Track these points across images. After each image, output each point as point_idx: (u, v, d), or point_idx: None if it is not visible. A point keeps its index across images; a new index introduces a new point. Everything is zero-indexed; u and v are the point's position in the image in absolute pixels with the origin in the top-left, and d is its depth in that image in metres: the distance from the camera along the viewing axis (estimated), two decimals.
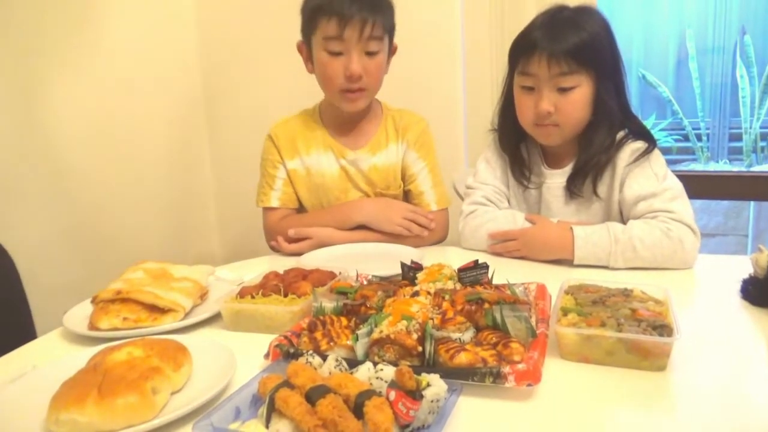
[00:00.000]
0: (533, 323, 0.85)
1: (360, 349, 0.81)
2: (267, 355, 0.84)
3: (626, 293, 0.94)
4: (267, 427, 0.64)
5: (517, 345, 0.78)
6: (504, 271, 1.07)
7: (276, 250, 1.54)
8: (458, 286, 1.01)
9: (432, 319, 0.86)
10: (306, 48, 1.52)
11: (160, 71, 2.19)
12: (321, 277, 1.11)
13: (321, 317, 0.91)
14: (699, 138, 4.36)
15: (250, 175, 1.70)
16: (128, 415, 0.66)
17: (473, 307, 0.88)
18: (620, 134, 1.36)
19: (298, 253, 1.46)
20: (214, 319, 1.04)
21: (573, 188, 1.38)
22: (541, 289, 1.02)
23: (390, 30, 1.48)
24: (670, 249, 1.22)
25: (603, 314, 0.85)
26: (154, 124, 2.19)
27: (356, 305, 0.94)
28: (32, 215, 1.82)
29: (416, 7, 1.96)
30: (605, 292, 0.95)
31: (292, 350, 0.82)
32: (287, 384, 0.67)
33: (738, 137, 4.30)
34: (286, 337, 0.87)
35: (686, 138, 4.28)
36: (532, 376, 0.73)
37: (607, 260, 1.24)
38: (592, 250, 1.25)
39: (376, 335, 0.80)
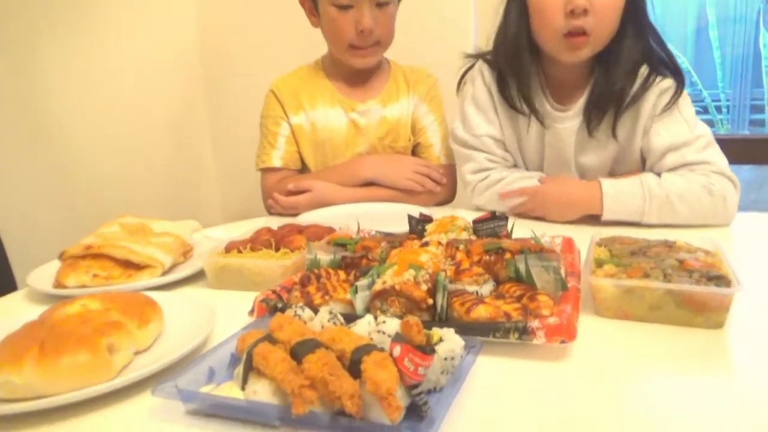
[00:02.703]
0: (563, 274, 0.73)
1: (360, 303, 0.69)
2: (252, 312, 0.72)
3: (669, 244, 0.82)
4: (243, 388, 0.52)
5: (545, 297, 0.66)
6: (522, 225, 0.94)
7: (273, 212, 1.42)
8: (474, 238, 0.89)
9: (444, 270, 0.73)
10: (309, 1, 1.41)
11: (156, 31, 2.08)
12: (318, 232, 0.99)
13: (315, 270, 0.79)
14: (719, 110, 4.18)
15: (250, 148, 1.58)
16: (75, 376, 0.55)
17: (492, 258, 0.75)
18: (644, 69, 1.18)
19: (296, 209, 1.35)
20: (196, 277, 0.93)
21: (590, 126, 1.20)
22: (568, 243, 0.90)
23: None
24: (712, 205, 1.09)
25: (645, 265, 0.73)
26: (153, 100, 2.08)
27: (356, 257, 0.82)
28: (25, 190, 1.72)
29: None
30: (644, 243, 0.83)
31: (280, 305, 0.70)
32: (269, 338, 0.55)
33: (760, 109, 4.12)
34: (274, 292, 0.75)
35: (705, 110, 4.11)
36: (565, 332, 0.60)
37: (641, 217, 1.11)
38: (624, 208, 1.11)
39: (378, 286, 0.68)
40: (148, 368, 0.58)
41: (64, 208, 1.81)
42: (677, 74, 1.18)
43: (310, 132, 1.47)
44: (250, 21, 2.14)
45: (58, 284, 0.87)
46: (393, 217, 1.22)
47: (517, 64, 1.23)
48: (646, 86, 1.17)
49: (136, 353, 0.63)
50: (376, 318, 0.60)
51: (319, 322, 0.60)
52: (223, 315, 0.74)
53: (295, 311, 0.62)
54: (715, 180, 1.09)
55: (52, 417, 0.55)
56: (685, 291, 0.66)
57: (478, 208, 1.31)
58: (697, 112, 1.23)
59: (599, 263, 0.76)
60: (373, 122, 1.46)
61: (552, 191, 1.19)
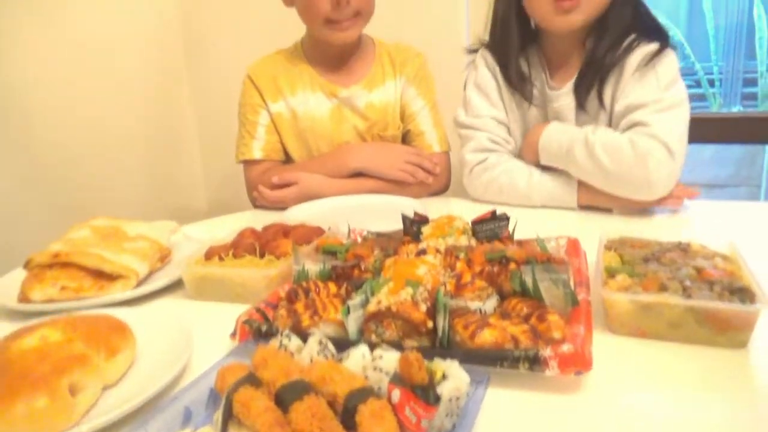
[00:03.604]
0: (573, 287, 0.67)
1: (352, 325, 0.63)
2: (234, 334, 0.66)
3: (683, 247, 0.76)
4: None
5: (555, 318, 0.60)
6: (525, 223, 0.88)
7: (258, 205, 1.35)
8: (473, 241, 0.82)
9: (444, 284, 0.67)
10: None
11: (136, 18, 1.97)
12: (306, 234, 0.92)
13: (304, 283, 0.73)
14: (711, 84, 4.13)
15: (234, 122, 1.50)
16: (33, 424, 0.48)
17: (496, 268, 0.69)
18: (632, 35, 1.14)
19: (282, 203, 1.28)
20: (175, 286, 0.86)
21: (579, 99, 1.18)
22: (574, 245, 0.84)
23: None
24: (630, 161, 1.05)
25: (661, 275, 0.67)
26: (130, 74, 1.97)
27: (348, 267, 0.76)
28: None
29: None
30: (656, 246, 0.77)
31: (264, 327, 0.64)
32: (251, 379, 0.49)
33: (753, 82, 4.07)
34: (258, 310, 0.69)
35: (698, 84, 4.05)
36: (580, 362, 0.55)
37: (567, 158, 1.12)
38: (557, 139, 1.14)
39: (372, 307, 0.62)
40: (116, 412, 0.51)
41: (42, 200, 1.72)
42: (662, 37, 1.14)
43: (291, 120, 1.39)
44: (231, 3, 2.04)
45: (23, 297, 0.80)
46: (385, 210, 1.15)
47: (508, 45, 1.20)
48: (629, 50, 1.13)
49: (105, 388, 0.57)
50: (371, 347, 0.54)
51: (308, 353, 0.54)
52: (203, 335, 0.68)
53: (281, 341, 0.56)
54: (646, 140, 1.05)
55: None
56: (706, 308, 0.60)
57: (474, 200, 1.26)
58: (690, 86, 1.18)
59: (611, 272, 0.70)
60: (358, 109, 1.38)
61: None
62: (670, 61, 1.12)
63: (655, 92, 1.08)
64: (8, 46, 1.63)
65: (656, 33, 1.13)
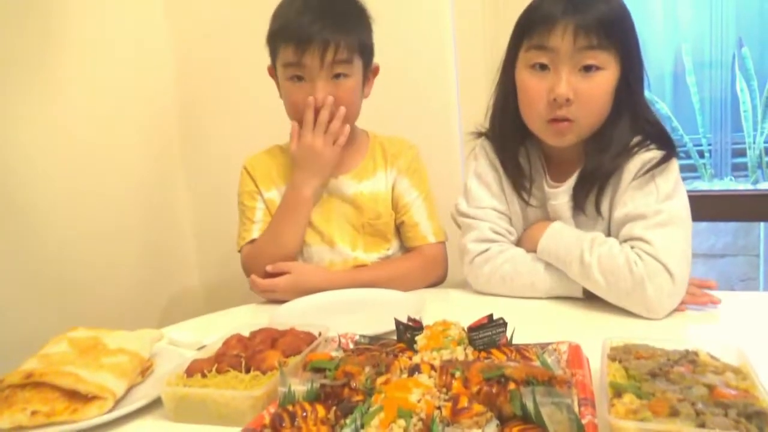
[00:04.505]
0: (577, 411, 0.63)
1: None
2: None
3: (691, 358, 0.72)
4: None
5: None
6: (523, 325, 0.85)
7: (255, 289, 1.33)
8: (470, 351, 0.79)
9: (439, 409, 0.63)
10: (275, 73, 1.36)
11: (131, 104, 1.99)
12: (294, 343, 0.88)
13: (290, 407, 0.68)
14: (701, 155, 4.19)
15: (229, 208, 1.51)
16: None
17: (494, 389, 0.65)
18: (635, 139, 1.13)
19: (273, 292, 1.28)
20: (155, 404, 0.81)
21: (577, 203, 1.15)
22: (575, 352, 0.80)
23: (363, 50, 1.30)
24: (627, 286, 1.01)
25: (670, 395, 0.63)
26: (126, 158, 1.97)
27: (337, 386, 0.71)
28: None
29: (402, 22, 1.76)
30: (662, 356, 0.73)
31: None
32: None
33: (742, 153, 4.14)
34: None
35: (687, 155, 4.11)
36: None
37: (565, 263, 1.09)
38: (554, 247, 1.12)
39: None
40: None
41: (27, 278, 1.67)
42: (667, 145, 1.11)
43: None
44: (229, 80, 2.06)
45: None
46: (378, 307, 1.12)
47: (505, 143, 1.20)
48: (629, 155, 1.11)
49: None
50: None
51: None
52: None
53: None
54: (642, 261, 1.01)
55: None
56: None
57: (475, 292, 1.22)
58: (680, 158, 1.16)
59: (616, 390, 0.66)
60: (347, 197, 1.37)
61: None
62: (671, 171, 1.09)
63: (654, 203, 1.05)
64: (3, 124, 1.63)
65: (659, 140, 1.11)
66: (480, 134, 1.28)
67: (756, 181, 3.82)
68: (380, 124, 1.46)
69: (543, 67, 1.09)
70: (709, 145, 4.36)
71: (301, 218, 1.31)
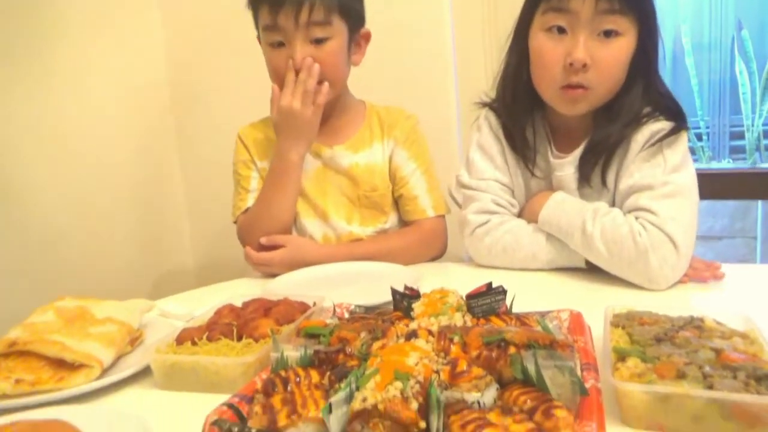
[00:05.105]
0: (580, 373, 0.61)
1: (335, 426, 0.55)
2: None
3: (696, 324, 0.70)
4: None
5: (563, 413, 0.53)
6: (523, 294, 0.82)
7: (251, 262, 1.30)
8: (468, 318, 0.76)
9: (438, 372, 0.61)
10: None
11: (123, 81, 1.96)
12: (288, 311, 0.86)
13: (282, 372, 0.66)
14: (699, 138, 4.17)
15: (223, 180, 1.49)
16: None
17: (494, 353, 0.63)
18: (646, 110, 1.10)
19: (269, 266, 1.25)
20: (145, 373, 0.78)
21: (583, 173, 1.13)
22: (577, 320, 0.78)
23: (346, 12, 1.25)
24: (630, 256, 0.99)
25: (676, 359, 0.61)
26: (118, 134, 1.94)
27: (331, 352, 0.69)
28: None
29: None
30: (667, 322, 0.71)
31: (236, 429, 0.57)
32: None
33: (740, 135, 4.11)
34: (231, 406, 0.61)
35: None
36: None
37: (567, 234, 1.07)
38: (556, 217, 1.10)
39: (357, 405, 0.55)
40: None
41: (17, 257, 1.64)
42: (677, 117, 1.08)
43: None
44: (220, 61, 2.04)
45: None
46: (374, 280, 1.10)
47: (515, 112, 1.17)
48: (638, 125, 1.08)
49: None
50: None
51: None
52: None
53: None
54: (649, 232, 0.99)
55: None
56: (735, 402, 0.54)
57: (476, 265, 1.20)
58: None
59: (620, 355, 0.64)
60: (342, 168, 1.34)
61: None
62: (680, 143, 1.06)
63: (661, 174, 1.03)
64: None
65: (670, 111, 1.08)
66: (484, 104, 1.25)
67: (754, 164, 3.80)
68: (374, 94, 1.43)
69: (560, 30, 1.06)
70: (707, 127, 4.34)
71: (290, 186, 1.28)
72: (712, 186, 2.53)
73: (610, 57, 1.04)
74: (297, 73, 1.22)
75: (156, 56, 2.09)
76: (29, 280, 1.62)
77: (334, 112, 1.35)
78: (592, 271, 1.08)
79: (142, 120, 2.05)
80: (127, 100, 1.97)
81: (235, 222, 1.37)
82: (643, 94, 1.09)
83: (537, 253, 1.12)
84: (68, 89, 1.76)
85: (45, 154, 1.71)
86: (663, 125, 1.07)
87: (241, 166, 1.38)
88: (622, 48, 1.05)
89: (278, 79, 1.26)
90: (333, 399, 0.57)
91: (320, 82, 1.23)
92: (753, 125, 3.92)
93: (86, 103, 1.82)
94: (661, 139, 1.05)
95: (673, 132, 1.05)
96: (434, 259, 1.32)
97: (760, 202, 3.64)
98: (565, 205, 1.10)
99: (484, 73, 1.69)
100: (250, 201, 1.34)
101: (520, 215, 1.21)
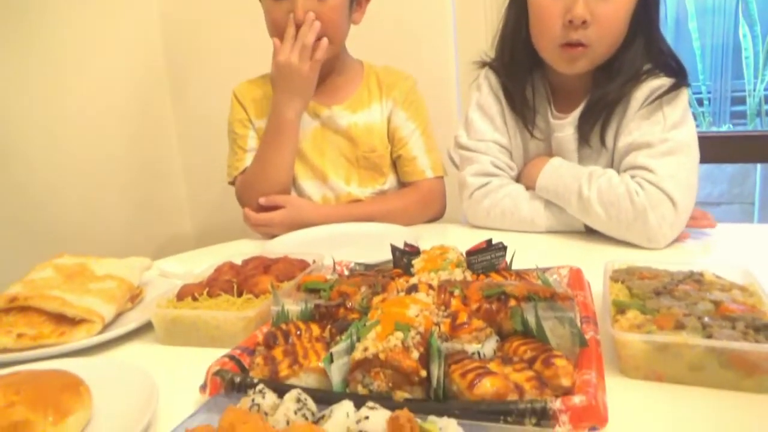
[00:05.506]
0: (580, 325, 0.61)
1: (336, 375, 0.56)
2: (204, 387, 0.59)
3: (696, 278, 0.70)
4: None
5: (563, 362, 0.54)
6: (523, 252, 0.82)
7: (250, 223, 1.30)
8: (468, 274, 0.76)
9: (438, 325, 0.61)
10: None
11: (118, 41, 1.93)
12: (288, 268, 0.86)
13: (283, 325, 0.66)
14: (700, 103, 4.14)
15: (219, 144, 1.46)
16: None
17: (494, 306, 0.63)
18: (646, 66, 1.08)
19: (268, 227, 1.24)
20: (145, 329, 0.79)
21: (582, 133, 1.11)
22: (576, 276, 0.78)
23: None
24: (629, 216, 0.99)
25: (676, 310, 0.61)
26: (112, 97, 1.92)
27: (332, 307, 0.69)
28: None
29: None
30: (667, 277, 0.71)
31: (238, 379, 0.57)
32: None
33: (741, 101, 4.08)
34: (232, 358, 0.62)
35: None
36: (595, 416, 0.48)
37: (564, 200, 1.07)
38: (553, 183, 1.09)
39: (359, 355, 0.55)
40: None
41: (14, 221, 1.64)
42: (678, 74, 1.06)
43: None
44: (216, 23, 2.00)
45: None
46: (374, 240, 1.09)
47: (514, 71, 1.14)
48: (637, 82, 1.06)
49: None
50: (357, 402, 0.47)
51: (284, 413, 0.47)
52: (172, 386, 0.61)
53: (253, 399, 0.49)
54: (646, 191, 0.98)
55: None
56: (733, 350, 0.54)
57: (474, 226, 1.20)
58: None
59: (620, 307, 0.64)
60: (341, 129, 1.33)
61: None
62: (680, 100, 1.04)
63: (660, 132, 1.01)
64: None
65: (671, 69, 1.06)
66: (484, 64, 1.22)
67: (754, 129, 3.78)
68: (372, 53, 1.40)
69: None
70: (709, 92, 4.30)
71: (287, 144, 1.26)
72: (712, 149, 2.51)
73: (610, 13, 1.02)
74: (297, 28, 1.19)
75: (150, 12, 2.04)
76: (26, 241, 1.62)
77: (332, 72, 1.32)
78: (591, 233, 1.08)
79: (136, 78, 2.01)
80: (121, 59, 1.94)
81: (231, 183, 1.36)
82: (644, 51, 1.07)
83: (535, 219, 1.12)
84: (61, 48, 1.73)
85: (39, 114, 1.69)
86: (663, 82, 1.05)
87: (237, 125, 1.36)
88: (623, 3, 1.02)
89: (277, 33, 1.23)
90: (334, 349, 0.57)
91: (319, 39, 1.20)
92: (755, 90, 3.88)
93: (80, 61, 1.79)
94: (660, 96, 1.03)
95: (674, 88, 1.04)
96: (433, 220, 1.32)
97: (759, 166, 3.63)
98: (561, 170, 1.09)
99: (485, 31, 1.66)
100: (248, 161, 1.32)
101: (517, 180, 1.20)
